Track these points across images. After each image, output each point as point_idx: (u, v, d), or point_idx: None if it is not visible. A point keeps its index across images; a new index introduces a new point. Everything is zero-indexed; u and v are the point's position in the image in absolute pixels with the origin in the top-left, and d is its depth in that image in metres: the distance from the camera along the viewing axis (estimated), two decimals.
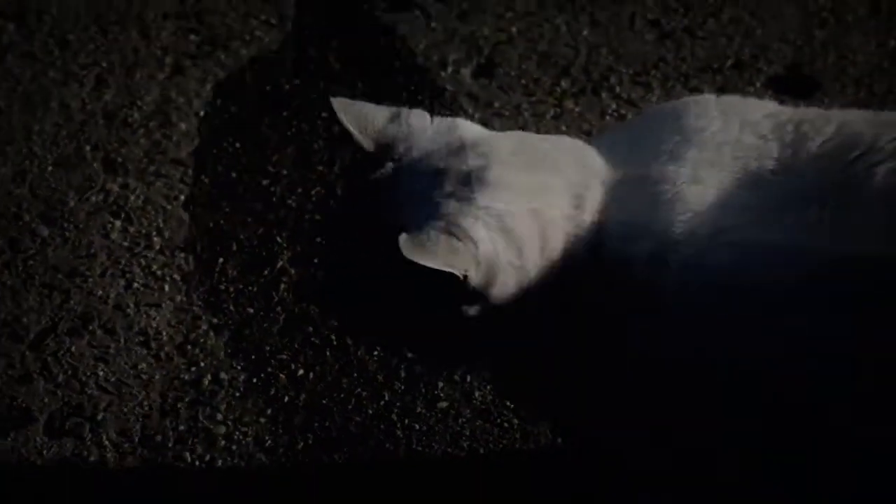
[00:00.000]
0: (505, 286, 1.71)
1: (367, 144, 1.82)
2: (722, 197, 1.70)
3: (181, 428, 2.44)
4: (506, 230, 1.70)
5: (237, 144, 2.85)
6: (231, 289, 2.62)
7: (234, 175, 2.80)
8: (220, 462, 2.41)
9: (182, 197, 2.76)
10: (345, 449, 2.41)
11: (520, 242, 1.70)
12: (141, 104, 2.91)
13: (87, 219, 2.73)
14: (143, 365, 2.52)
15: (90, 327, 2.58)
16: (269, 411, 2.45)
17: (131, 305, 2.61)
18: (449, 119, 1.84)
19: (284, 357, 2.52)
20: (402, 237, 1.61)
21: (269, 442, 2.41)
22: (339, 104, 1.82)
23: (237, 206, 2.74)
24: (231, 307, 2.60)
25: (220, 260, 2.66)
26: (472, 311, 1.72)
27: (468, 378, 2.46)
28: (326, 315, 2.56)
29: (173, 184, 2.78)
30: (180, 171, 2.81)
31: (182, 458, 2.41)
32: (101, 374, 2.51)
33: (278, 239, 2.68)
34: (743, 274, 1.65)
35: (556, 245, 1.72)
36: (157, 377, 2.51)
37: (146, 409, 2.47)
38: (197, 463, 2.41)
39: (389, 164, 1.80)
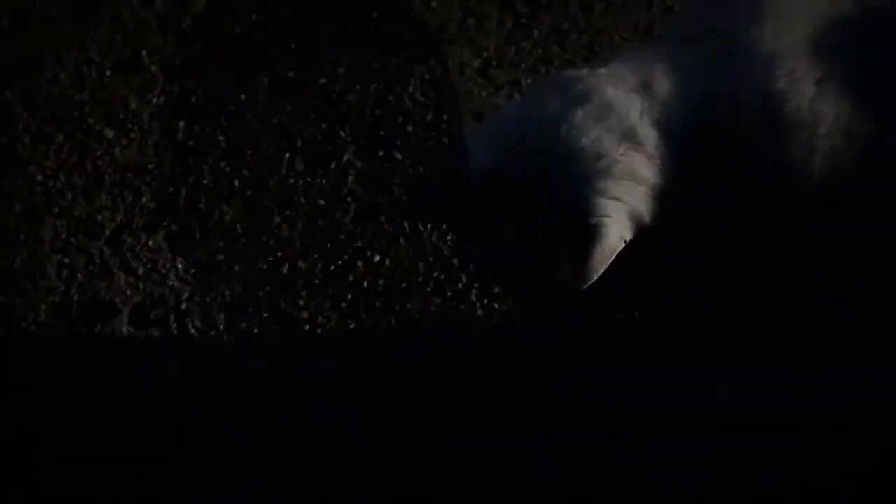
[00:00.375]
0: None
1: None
2: None
3: (265, 315, 2.49)
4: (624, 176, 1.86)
5: (292, 45, 2.88)
6: (300, 182, 2.66)
7: (291, 75, 2.83)
8: (304, 348, 2.46)
9: (242, 97, 2.79)
10: (426, 330, 2.46)
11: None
12: (193, 9, 2.93)
13: (151, 120, 2.76)
14: (221, 256, 2.57)
15: (164, 223, 2.61)
16: (349, 296, 2.51)
17: (203, 200, 2.64)
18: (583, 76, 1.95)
19: (359, 245, 2.57)
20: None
21: (353, 325, 2.46)
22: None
23: (297, 105, 2.78)
24: (302, 199, 2.64)
25: (287, 155, 2.70)
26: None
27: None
28: (397, 204, 2.61)
29: (232, 86, 2.81)
30: (237, 72, 2.84)
31: (267, 344, 2.46)
32: (180, 266, 2.55)
33: (342, 133, 2.72)
34: None
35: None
36: (235, 268, 2.55)
37: (228, 297, 2.52)
38: (282, 348, 2.46)
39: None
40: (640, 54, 1.94)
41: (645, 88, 1.87)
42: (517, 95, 2.64)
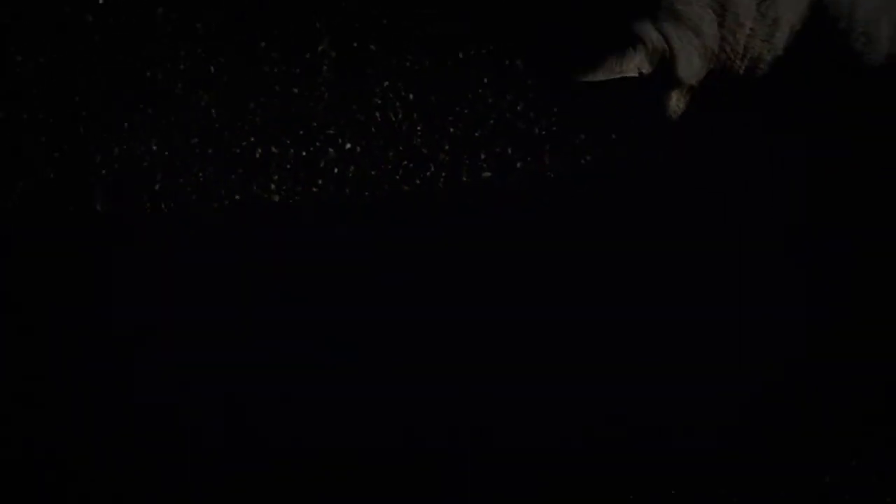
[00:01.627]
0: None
1: None
2: None
3: (236, 197, 2.54)
4: (683, 18, 1.72)
5: None
6: (275, 70, 2.70)
7: None
8: (273, 229, 2.52)
9: None
10: (394, 213, 2.53)
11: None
12: None
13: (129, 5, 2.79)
14: (196, 139, 2.61)
15: (140, 105, 2.66)
16: (320, 181, 2.56)
17: (179, 86, 2.68)
18: None
19: (332, 132, 2.62)
20: (571, 61, 1.71)
21: (322, 209, 2.52)
22: None
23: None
24: (277, 87, 2.68)
25: (262, 44, 2.74)
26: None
27: (509, 151, 2.57)
28: (370, 93, 2.65)
29: None
30: None
31: (238, 225, 2.52)
32: (155, 148, 2.60)
33: (317, 25, 2.76)
34: None
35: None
36: (209, 151, 2.60)
37: (200, 179, 2.57)
38: (250, 229, 2.51)
39: None
40: None
41: None
42: None
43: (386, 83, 2.66)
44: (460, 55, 2.58)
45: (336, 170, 2.58)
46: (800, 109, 1.75)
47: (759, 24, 1.70)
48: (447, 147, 2.59)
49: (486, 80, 2.55)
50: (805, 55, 1.73)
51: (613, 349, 2.17)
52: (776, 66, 1.72)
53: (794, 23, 1.71)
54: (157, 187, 2.55)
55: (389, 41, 2.70)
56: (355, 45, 2.73)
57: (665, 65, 1.71)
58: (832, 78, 1.73)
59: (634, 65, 1.69)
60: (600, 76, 1.67)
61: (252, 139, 2.61)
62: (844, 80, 1.73)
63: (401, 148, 2.60)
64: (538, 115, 2.43)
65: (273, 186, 2.56)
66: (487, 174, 2.56)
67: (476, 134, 2.58)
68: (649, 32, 1.70)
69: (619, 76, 1.69)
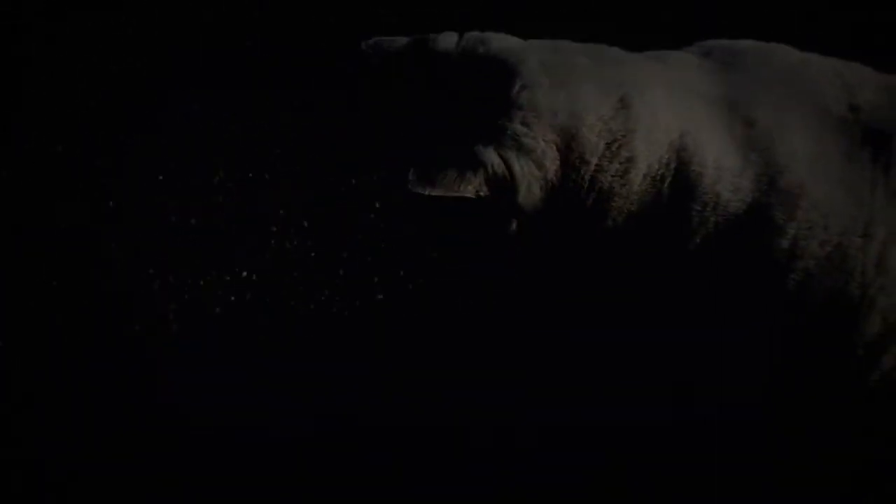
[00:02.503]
0: (530, 195, 1.74)
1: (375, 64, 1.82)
2: None
3: (136, 328, 2.59)
4: (525, 149, 1.72)
5: None
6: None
7: None
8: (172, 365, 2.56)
9: None
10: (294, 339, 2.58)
11: (540, 157, 1.72)
12: None
13: None
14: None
15: None
16: (217, 309, 2.61)
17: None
18: (477, 35, 1.83)
19: (229, 260, 2.68)
20: (411, 173, 1.69)
21: None
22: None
23: None
24: (173, 218, 2.74)
25: (160, 177, 2.80)
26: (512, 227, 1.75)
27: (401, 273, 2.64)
28: (266, 221, 2.71)
29: None
30: None
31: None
32: None
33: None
34: None
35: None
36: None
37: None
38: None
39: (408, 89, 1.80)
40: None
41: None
42: None
43: (281, 211, 2.73)
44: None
45: (233, 297, 2.63)
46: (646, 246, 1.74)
47: (606, 161, 1.71)
48: (341, 272, 2.66)
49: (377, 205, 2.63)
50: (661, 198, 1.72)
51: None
52: (631, 202, 1.72)
53: (650, 162, 1.70)
54: None
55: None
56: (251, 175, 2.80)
57: (506, 191, 1.72)
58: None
59: (473, 187, 1.70)
60: (438, 192, 1.68)
61: (151, 271, 2.66)
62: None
63: (295, 274, 2.66)
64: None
65: (171, 316, 2.61)
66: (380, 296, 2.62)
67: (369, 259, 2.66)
68: (492, 158, 1.70)
69: (457, 195, 1.70)
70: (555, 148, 1.71)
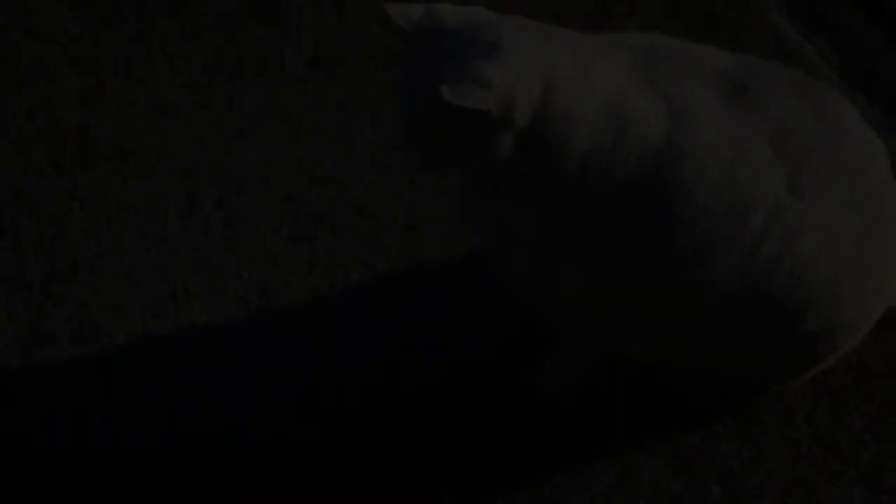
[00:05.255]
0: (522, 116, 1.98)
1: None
2: None
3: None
4: (523, 75, 1.98)
5: None
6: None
7: None
8: None
9: None
10: None
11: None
12: None
13: None
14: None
15: None
16: None
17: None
18: (469, 7, 2.07)
19: None
20: (443, 87, 1.89)
21: None
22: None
23: None
24: None
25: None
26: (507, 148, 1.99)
27: None
28: None
29: None
30: None
31: None
32: None
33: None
34: None
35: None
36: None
37: None
38: None
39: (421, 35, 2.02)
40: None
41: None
42: None
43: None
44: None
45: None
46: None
47: (572, 90, 2.01)
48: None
49: None
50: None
51: None
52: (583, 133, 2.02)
53: (600, 97, 2.03)
54: None
55: None
56: None
57: (508, 109, 1.96)
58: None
59: (493, 100, 1.93)
60: (470, 103, 1.90)
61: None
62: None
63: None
64: None
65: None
66: None
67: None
68: (501, 75, 1.95)
69: (480, 107, 1.91)
70: (542, 77, 1.99)
